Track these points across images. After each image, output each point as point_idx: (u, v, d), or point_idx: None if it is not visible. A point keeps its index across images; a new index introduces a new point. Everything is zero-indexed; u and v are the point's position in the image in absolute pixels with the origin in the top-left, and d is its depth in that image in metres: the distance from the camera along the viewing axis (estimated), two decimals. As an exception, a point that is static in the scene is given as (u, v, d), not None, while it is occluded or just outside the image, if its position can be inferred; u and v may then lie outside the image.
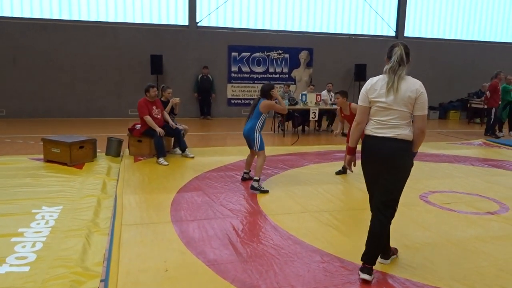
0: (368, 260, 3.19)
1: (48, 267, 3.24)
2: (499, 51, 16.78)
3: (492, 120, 11.35)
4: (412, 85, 3.06)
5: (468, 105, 15.23)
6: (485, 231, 4.31)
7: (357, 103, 3.46)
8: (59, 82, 12.90)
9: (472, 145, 9.81)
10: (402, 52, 3.10)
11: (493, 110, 11.29)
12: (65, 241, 3.74)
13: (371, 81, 3.22)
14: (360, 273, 3.19)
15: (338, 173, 6.57)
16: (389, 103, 3.07)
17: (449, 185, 6.11)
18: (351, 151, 3.44)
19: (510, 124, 11.92)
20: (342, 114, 6.64)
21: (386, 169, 3.13)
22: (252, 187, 5.48)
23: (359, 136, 3.31)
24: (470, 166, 7.37)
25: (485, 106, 11.75)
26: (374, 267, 3.26)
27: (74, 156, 6.63)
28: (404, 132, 3.07)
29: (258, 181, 5.50)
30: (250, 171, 6.15)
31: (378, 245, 3.23)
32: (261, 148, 5.61)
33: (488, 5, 16.80)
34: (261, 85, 15.20)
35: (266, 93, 5.64)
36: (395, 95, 3.05)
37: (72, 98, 13.10)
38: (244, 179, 6.07)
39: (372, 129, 3.17)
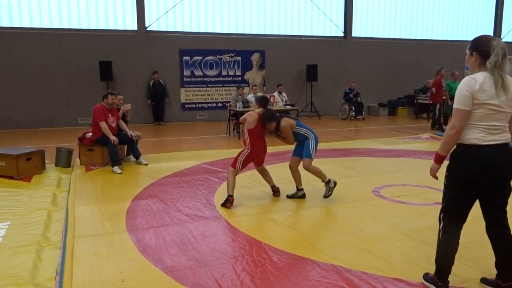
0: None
1: (-5, 286, 3.09)
2: (441, 49, 17.59)
3: (437, 114, 11.88)
4: None
5: (415, 101, 15.88)
6: (434, 221, 4.42)
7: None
8: (2, 92, 12.31)
9: (420, 139, 10.21)
10: (503, 44, 2.72)
11: (438, 106, 11.82)
12: (14, 258, 3.58)
13: (475, 80, 2.71)
14: None
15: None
16: (500, 105, 2.70)
17: (400, 178, 6.34)
18: (441, 160, 2.97)
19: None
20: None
21: (503, 178, 2.83)
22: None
23: (454, 145, 2.85)
24: (419, 160, 7.67)
25: (431, 102, 12.27)
26: (327, 259, 3.32)
27: (21, 168, 6.34)
28: (509, 135, 2.81)
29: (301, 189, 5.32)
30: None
31: None
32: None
33: (429, 4, 17.58)
34: (215, 88, 14.84)
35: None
36: (506, 95, 2.70)
37: (18, 108, 12.54)
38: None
39: (480, 137, 2.73)
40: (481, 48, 2.74)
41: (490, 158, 2.73)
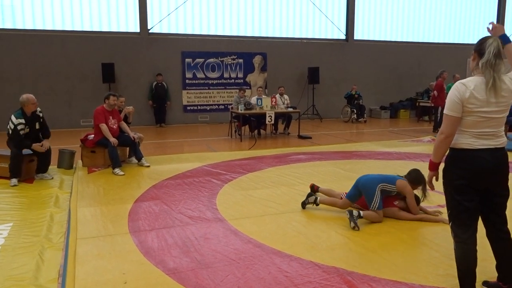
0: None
1: (-2, 287, 3.10)
2: (442, 51, 17.59)
3: (439, 117, 11.88)
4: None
5: (417, 104, 15.88)
6: (436, 223, 4.50)
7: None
8: (5, 93, 12.34)
9: (421, 142, 10.21)
10: (499, 43, 2.58)
11: (439, 109, 11.82)
12: (16, 259, 3.59)
13: (465, 87, 2.60)
14: None
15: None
16: (492, 111, 2.59)
17: (402, 181, 6.31)
18: (434, 167, 2.86)
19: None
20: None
21: (497, 183, 2.74)
22: (351, 214, 4.38)
23: (446, 151, 2.77)
24: (421, 162, 7.66)
25: (432, 105, 12.27)
26: (329, 262, 3.33)
27: (24, 170, 6.36)
28: (505, 139, 2.70)
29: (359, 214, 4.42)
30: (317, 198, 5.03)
31: None
32: (380, 207, 4.50)
33: (431, 7, 17.59)
34: (217, 91, 14.81)
35: (413, 181, 4.73)
36: (496, 98, 2.57)
37: (20, 110, 12.54)
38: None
39: (470, 142, 2.65)
40: (479, 47, 2.64)
41: (482, 161, 2.64)
